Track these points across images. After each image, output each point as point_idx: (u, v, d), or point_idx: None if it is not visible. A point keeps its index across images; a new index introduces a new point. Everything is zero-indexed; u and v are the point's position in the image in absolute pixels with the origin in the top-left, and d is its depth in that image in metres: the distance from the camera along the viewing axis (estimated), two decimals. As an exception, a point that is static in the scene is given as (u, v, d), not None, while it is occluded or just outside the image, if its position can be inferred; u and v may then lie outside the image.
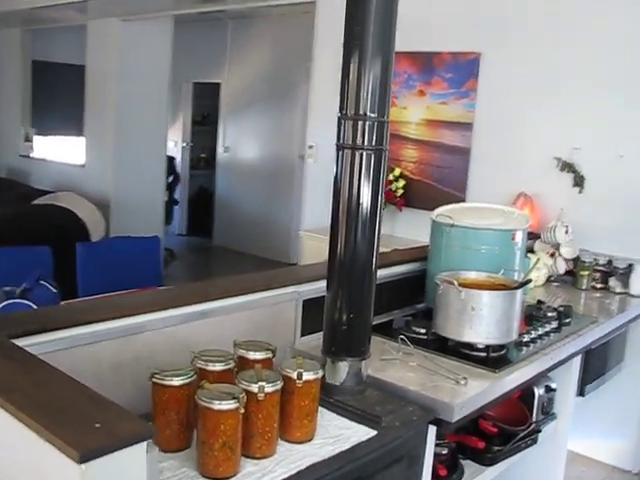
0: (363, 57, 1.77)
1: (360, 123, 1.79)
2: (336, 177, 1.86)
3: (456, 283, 2.26)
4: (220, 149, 9.01)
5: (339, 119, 1.83)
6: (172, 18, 6.74)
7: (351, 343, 1.89)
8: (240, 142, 8.72)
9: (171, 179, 7.89)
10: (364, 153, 1.81)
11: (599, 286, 3.49)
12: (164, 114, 7.14)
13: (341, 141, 1.83)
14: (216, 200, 9.12)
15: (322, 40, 4.95)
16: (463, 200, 4.07)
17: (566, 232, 3.51)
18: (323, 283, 2.35)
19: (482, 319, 2.24)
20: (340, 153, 1.84)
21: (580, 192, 3.74)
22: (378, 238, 1.87)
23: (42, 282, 2.51)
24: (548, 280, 3.49)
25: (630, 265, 3.43)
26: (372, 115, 1.79)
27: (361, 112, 1.79)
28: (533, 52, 3.97)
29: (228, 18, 8.22)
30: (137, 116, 6.74)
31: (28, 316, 1.77)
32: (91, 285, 3.41)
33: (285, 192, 8.21)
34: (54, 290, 2.56)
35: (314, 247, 4.48)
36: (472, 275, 2.46)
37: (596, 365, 3.15)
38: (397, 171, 4.53)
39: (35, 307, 2.30)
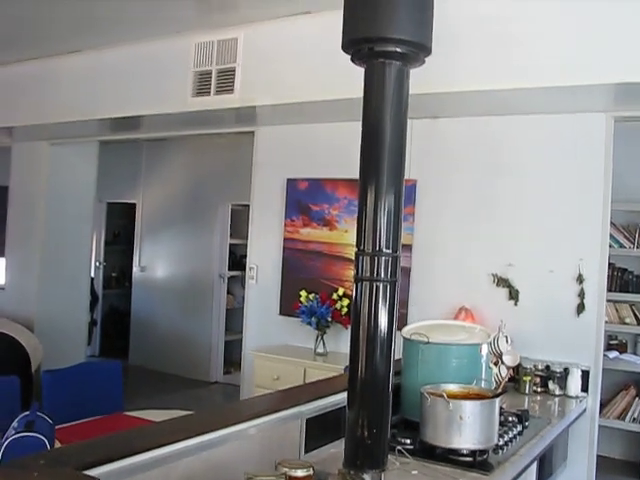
0: (379, 194, 2.05)
1: (376, 258, 2.06)
2: (355, 305, 2.09)
3: (445, 396, 2.50)
4: (136, 268, 9.03)
5: (357, 254, 2.09)
6: (97, 143, 6.94)
7: (374, 456, 2.07)
8: (157, 261, 8.79)
9: (90, 299, 7.80)
10: (380, 285, 2.06)
11: (540, 390, 3.84)
12: (88, 234, 7.20)
13: (360, 274, 2.08)
14: (132, 320, 9.04)
15: (261, 169, 5.24)
16: (405, 316, 4.37)
17: (507, 341, 3.85)
18: (322, 402, 2.57)
19: (469, 427, 2.49)
20: (359, 284, 2.09)
21: (515, 304, 4.13)
22: (393, 360, 2.10)
23: (39, 414, 2.53)
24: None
25: (566, 369, 3.82)
26: (387, 251, 2.06)
27: (377, 249, 2.05)
28: (466, 178, 4.39)
29: (143, 140, 8.44)
30: (63, 237, 6.74)
31: (86, 447, 1.85)
32: (58, 413, 3.39)
33: (204, 311, 8.29)
34: (50, 421, 2.58)
35: (264, 366, 4.62)
36: (450, 387, 2.71)
37: (548, 463, 3.43)
38: (341, 291, 4.77)
39: (45, 440, 2.32)
